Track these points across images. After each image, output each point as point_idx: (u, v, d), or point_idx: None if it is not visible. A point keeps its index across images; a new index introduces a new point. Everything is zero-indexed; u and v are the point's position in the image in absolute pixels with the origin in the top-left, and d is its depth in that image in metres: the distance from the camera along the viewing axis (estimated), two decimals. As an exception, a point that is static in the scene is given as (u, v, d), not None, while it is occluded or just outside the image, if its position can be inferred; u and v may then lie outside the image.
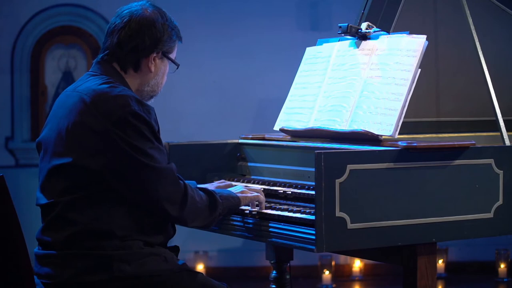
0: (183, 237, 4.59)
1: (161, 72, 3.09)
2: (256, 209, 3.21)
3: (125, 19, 3.00)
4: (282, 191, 3.30)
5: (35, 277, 2.84)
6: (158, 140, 2.90)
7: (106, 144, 2.81)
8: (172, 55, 3.10)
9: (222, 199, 3.07)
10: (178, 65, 3.14)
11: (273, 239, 3.12)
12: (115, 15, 3.04)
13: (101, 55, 3.02)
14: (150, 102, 3.12)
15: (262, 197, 3.22)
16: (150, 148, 2.85)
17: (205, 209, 3.00)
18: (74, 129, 2.85)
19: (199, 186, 3.09)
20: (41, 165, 2.95)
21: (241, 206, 3.16)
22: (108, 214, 2.84)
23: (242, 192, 3.19)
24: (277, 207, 3.21)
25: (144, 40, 2.99)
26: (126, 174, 2.83)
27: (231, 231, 3.31)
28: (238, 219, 3.26)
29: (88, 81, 2.95)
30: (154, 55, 3.02)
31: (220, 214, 3.07)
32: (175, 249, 3.05)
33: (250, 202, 3.19)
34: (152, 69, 3.04)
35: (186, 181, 3.05)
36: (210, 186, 3.28)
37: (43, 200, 2.91)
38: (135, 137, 2.82)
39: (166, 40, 3.03)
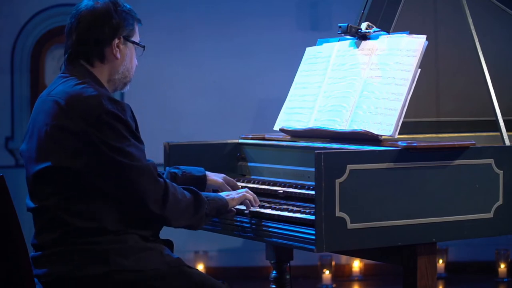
0: (183, 237, 4.57)
1: (128, 57, 3.08)
2: (255, 208, 3.21)
3: (79, 17, 3.02)
4: (282, 191, 3.30)
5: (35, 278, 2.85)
6: (136, 137, 2.92)
7: (84, 145, 2.84)
8: (135, 39, 3.10)
9: (208, 199, 3.07)
10: (143, 47, 3.14)
11: (273, 239, 3.12)
12: (70, 16, 3.07)
13: (66, 56, 3.05)
14: (126, 98, 3.13)
15: (249, 196, 3.21)
16: (127, 146, 2.86)
17: (189, 207, 2.99)
18: (52, 133, 2.88)
19: (183, 186, 3.07)
20: (26, 174, 2.98)
21: (229, 208, 3.15)
22: (98, 211, 2.87)
23: (227, 195, 3.19)
24: (277, 207, 3.21)
25: (103, 30, 3.00)
26: (106, 174, 2.85)
27: (232, 231, 3.31)
28: (238, 219, 3.26)
29: (60, 84, 2.98)
30: (116, 41, 3.03)
31: (208, 215, 3.07)
32: (169, 243, 3.07)
33: (238, 203, 3.19)
34: (118, 55, 3.04)
35: (195, 167, 3.11)
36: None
37: (32, 205, 2.94)
38: (111, 136, 2.84)
39: (124, 25, 3.04)
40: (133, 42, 3.09)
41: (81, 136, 2.83)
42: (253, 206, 3.22)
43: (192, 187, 3.08)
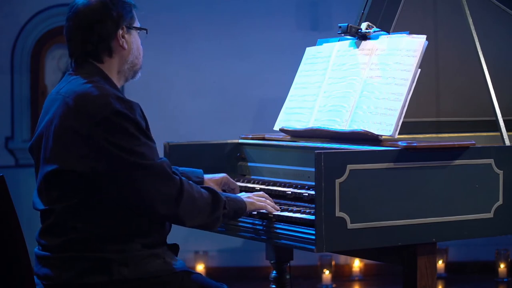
0: (183, 237, 4.57)
1: (135, 45, 3.04)
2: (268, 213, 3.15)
3: (77, 16, 3.00)
4: (282, 191, 3.30)
5: (35, 277, 2.84)
6: (146, 136, 2.84)
7: (92, 146, 2.77)
8: (136, 25, 3.07)
9: (227, 199, 3.00)
10: (146, 30, 3.09)
11: (273, 239, 3.12)
12: (66, 18, 3.06)
13: (74, 60, 3.01)
14: (138, 96, 3.10)
15: (270, 208, 3.13)
16: (137, 146, 2.79)
17: (205, 206, 2.91)
18: (60, 134, 2.84)
19: (202, 186, 3.01)
20: (36, 170, 2.95)
21: (246, 211, 3.09)
22: (104, 219, 2.81)
23: (247, 197, 3.11)
24: (277, 207, 3.21)
25: (105, 25, 2.96)
26: (115, 175, 2.78)
27: (232, 231, 3.30)
28: (239, 219, 3.25)
29: (70, 83, 2.93)
30: (121, 32, 2.98)
31: (226, 215, 2.98)
32: (175, 248, 3.03)
33: (257, 209, 3.11)
34: (125, 45, 3.00)
35: (193, 170, 3.05)
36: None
37: (40, 206, 2.90)
38: (120, 137, 2.78)
39: (124, 15, 3.00)
40: (136, 28, 3.05)
41: (89, 138, 2.77)
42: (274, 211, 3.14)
43: (210, 187, 3.02)
